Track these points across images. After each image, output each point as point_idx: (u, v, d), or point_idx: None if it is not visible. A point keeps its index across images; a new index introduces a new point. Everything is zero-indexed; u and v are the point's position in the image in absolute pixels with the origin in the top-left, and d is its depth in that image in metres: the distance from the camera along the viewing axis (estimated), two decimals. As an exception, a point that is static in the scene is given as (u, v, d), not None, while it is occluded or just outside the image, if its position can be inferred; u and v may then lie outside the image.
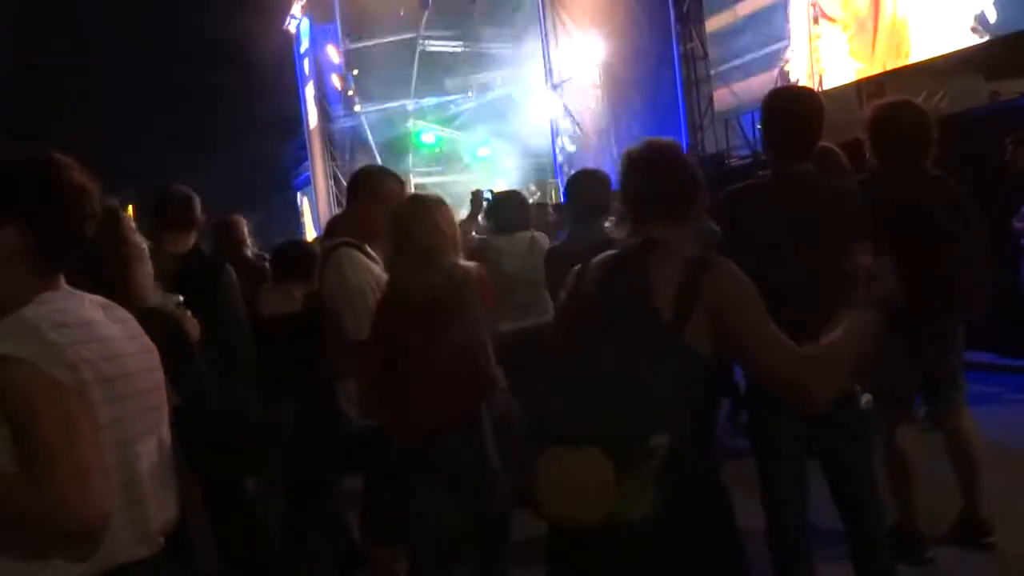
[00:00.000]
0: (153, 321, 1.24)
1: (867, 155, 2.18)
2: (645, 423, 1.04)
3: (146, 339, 1.12)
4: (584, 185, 2.80)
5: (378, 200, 2.21)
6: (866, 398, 1.69)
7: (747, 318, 1.14)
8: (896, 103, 2.17)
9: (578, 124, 12.16)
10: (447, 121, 18.44)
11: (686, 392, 1.11)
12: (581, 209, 2.78)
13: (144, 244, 1.68)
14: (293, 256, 2.83)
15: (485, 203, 4.11)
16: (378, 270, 2.18)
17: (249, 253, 3.42)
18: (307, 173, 21.05)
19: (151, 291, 1.65)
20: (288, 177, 23.80)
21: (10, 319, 0.96)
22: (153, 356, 1.12)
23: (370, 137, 17.21)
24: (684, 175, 1.34)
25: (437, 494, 1.94)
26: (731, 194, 1.91)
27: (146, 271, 1.65)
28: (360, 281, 2.12)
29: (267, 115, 20.11)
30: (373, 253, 2.26)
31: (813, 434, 1.77)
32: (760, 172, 1.97)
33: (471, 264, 2.04)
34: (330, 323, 2.18)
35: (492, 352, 2.02)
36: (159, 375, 1.11)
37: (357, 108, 16.83)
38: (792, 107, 1.86)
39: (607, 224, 2.87)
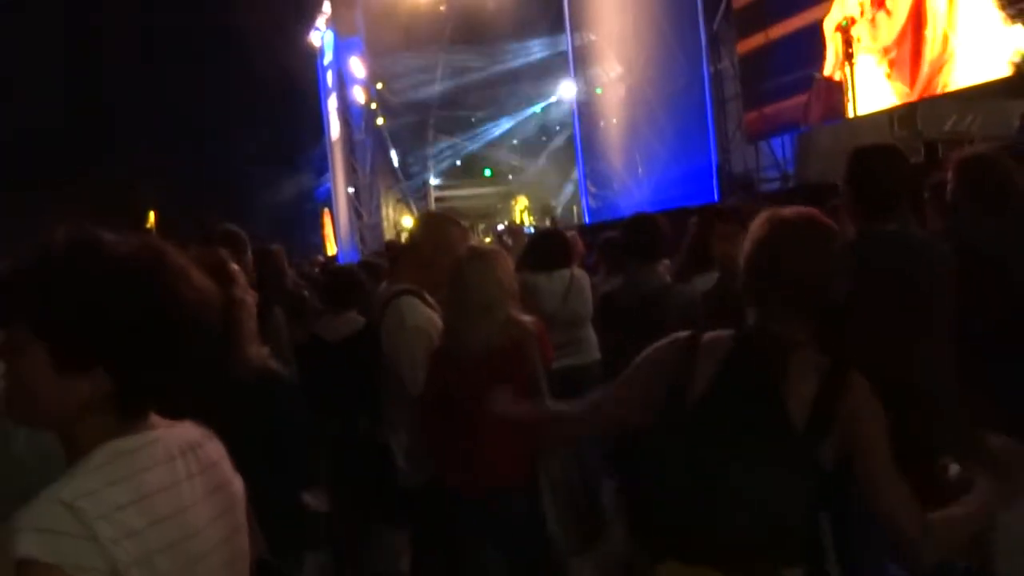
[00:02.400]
0: (264, 391, 1.18)
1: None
2: (775, 549, 1.02)
3: (231, 490, 0.92)
4: (644, 228, 2.76)
5: (440, 248, 2.20)
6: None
7: (878, 449, 1.10)
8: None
9: (602, 142, 12.18)
10: (470, 135, 18.97)
11: (814, 516, 1.07)
12: (639, 252, 2.72)
13: (250, 298, 1.54)
14: (347, 282, 2.86)
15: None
16: (438, 320, 2.17)
17: (289, 283, 3.41)
18: (328, 184, 21.32)
19: (256, 354, 1.49)
20: (310, 190, 24.11)
21: (52, 496, 0.76)
22: (233, 516, 0.92)
23: (392, 150, 17.47)
24: (839, 264, 1.18)
25: (491, 553, 1.91)
26: None
27: (253, 329, 1.51)
28: (421, 333, 2.11)
29: (291, 128, 20.49)
30: (433, 302, 2.25)
31: None
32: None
33: (528, 318, 2.02)
34: (387, 374, 2.17)
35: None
36: (236, 544, 0.91)
37: (380, 121, 17.05)
38: (879, 165, 1.78)
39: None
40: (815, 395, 1.11)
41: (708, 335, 1.23)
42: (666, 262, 2.88)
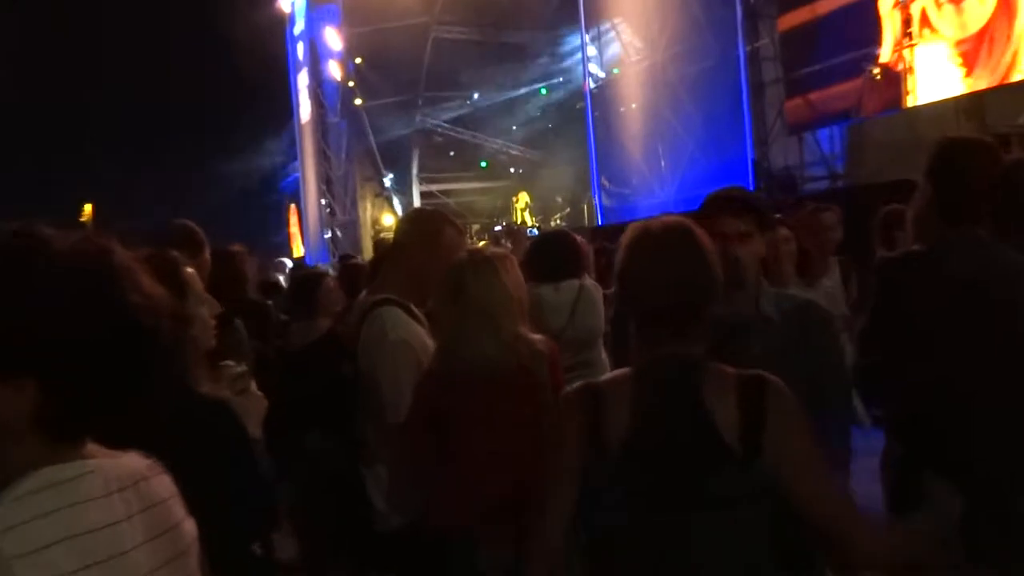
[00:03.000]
0: (212, 424, 1.19)
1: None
2: None
3: (180, 533, 0.90)
4: None
5: (432, 251, 2.22)
6: None
7: (814, 458, 1.20)
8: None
9: (619, 132, 12.26)
10: (462, 120, 18.97)
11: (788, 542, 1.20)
12: None
13: (206, 310, 1.53)
14: (314, 288, 2.95)
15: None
16: (428, 338, 2.18)
17: (252, 291, 3.43)
18: (295, 175, 21.38)
19: (209, 378, 1.50)
20: (274, 180, 24.17)
21: None
22: (183, 565, 0.89)
23: (371, 136, 17.60)
24: (713, 266, 1.33)
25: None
26: (886, 265, 1.80)
27: (206, 348, 1.50)
28: (406, 347, 2.12)
29: (252, 106, 20.46)
30: (421, 315, 2.27)
31: None
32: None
33: (539, 337, 2.03)
34: (366, 398, 2.18)
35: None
36: None
37: (358, 102, 17.14)
38: (970, 161, 1.74)
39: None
40: (739, 416, 1.22)
41: (605, 378, 1.38)
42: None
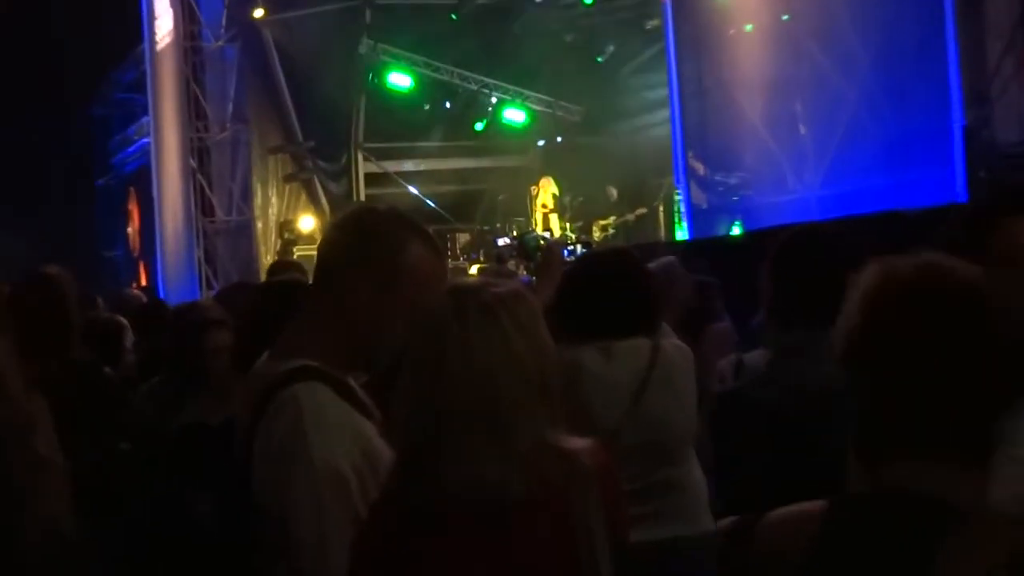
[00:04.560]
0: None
1: None
2: None
3: None
4: (816, 259, 2.87)
5: (385, 284, 2.30)
6: None
7: None
8: None
9: (724, 77, 12.50)
10: (441, 47, 18.99)
11: None
12: (799, 303, 2.84)
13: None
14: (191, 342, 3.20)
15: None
16: (377, 435, 2.23)
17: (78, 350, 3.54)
18: (143, 141, 21.62)
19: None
20: (102, 152, 24.33)
21: None
22: None
23: (281, 75, 17.86)
24: None
25: None
26: None
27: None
28: (337, 466, 2.16)
29: (59, 19, 20.45)
30: (366, 397, 2.32)
31: None
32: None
33: (579, 443, 2.07)
34: (268, 544, 2.21)
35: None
36: None
37: (259, 13, 17.47)
38: None
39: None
40: None
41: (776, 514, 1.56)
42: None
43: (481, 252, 18.30)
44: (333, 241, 2.46)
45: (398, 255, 2.33)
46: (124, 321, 5.66)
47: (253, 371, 2.47)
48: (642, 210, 16.28)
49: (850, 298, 1.72)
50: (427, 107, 19.30)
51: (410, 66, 18.84)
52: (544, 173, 18.38)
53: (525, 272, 15.62)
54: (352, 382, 2.35)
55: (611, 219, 16.51)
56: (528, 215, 18.19)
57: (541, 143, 19.95)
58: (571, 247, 14.18)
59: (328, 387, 2.26)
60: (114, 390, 3.46)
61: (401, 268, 2.31)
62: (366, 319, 2.31)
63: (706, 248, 9.69)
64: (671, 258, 5.24)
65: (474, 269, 16.84)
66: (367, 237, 2.39)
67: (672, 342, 3.63)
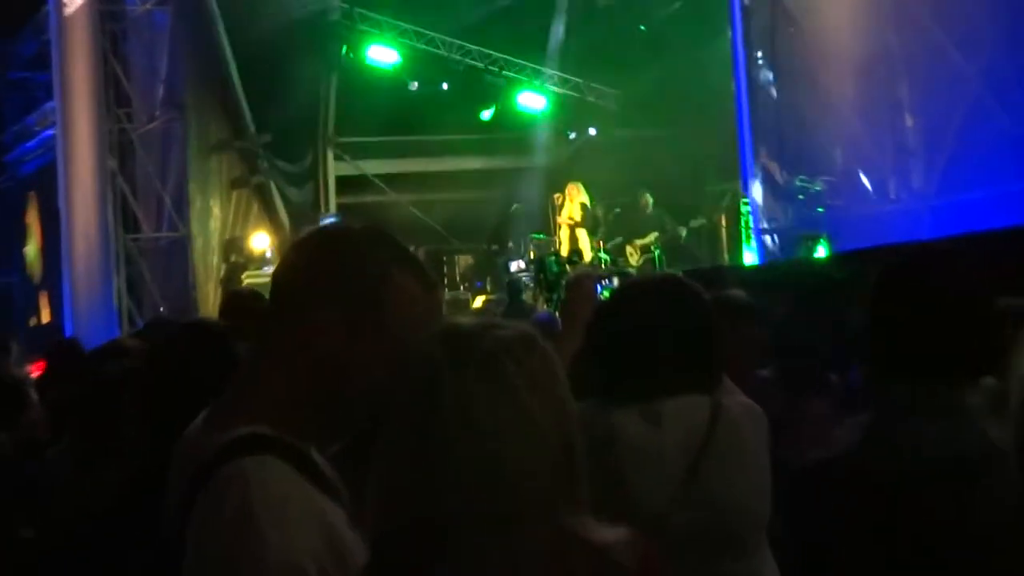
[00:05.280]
0: None
1: None
2: None
3: None
4: (929, 290, 2.90)
5: (363, 322, 2.32)
6: None
7: None
8: None
9: (803, 51, 12.45)
10: (429, 15, 18.95)
11: None
12: (915, 347, 2.86)
13: None
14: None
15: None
16: (347, 528, 2.24)
17: None
18: (47, 133, 21.69)
19: None
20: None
21: None
22: None
23: (228, 48, 17.88)
24: None
25: None
26: None
27: None
28: (297, 565, 2.14)
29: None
30: (330, 472, 2.34)
31: None
32: None
33: (617, 534, 2.09)
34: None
35: None
36: None
37: (198, -31, 17.49)
38: None
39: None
40: None
41: None
42: (990, 382, 3.00)
43: (488, 280, 18.32)
44: (293, 267, 2.46)
45: (377, 287, 2.34)
46: (24, 372, 5.65)
47: (185, 439, 2.47)
48: (698, 221, 16.27)
49: None
50: (418, 90, 19.27)
51: (396, 36, 18.93)
52: (571, 177, 18.31)
53: (545, 306, 15.61)
54: (316, 454, 2.35)
55: (651, 236, 16.56)
56: (550, 232, 18.17)
57: (571, 136, 19.97)
58: (606, 278, 14.26)
59: (285, 461, 2.26)
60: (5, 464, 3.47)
61: (381, 304, 2.33)
62: (335, 370, 2.32)
63: (783, 275, 9.70)
64: (738, 291, 5.23)
65: (479, 302, 16.85)
66: (337, 263, 2.40)
67: (738, 400, 3.61)
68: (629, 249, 16.79)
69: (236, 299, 7.14)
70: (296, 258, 2.49)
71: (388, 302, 2.34)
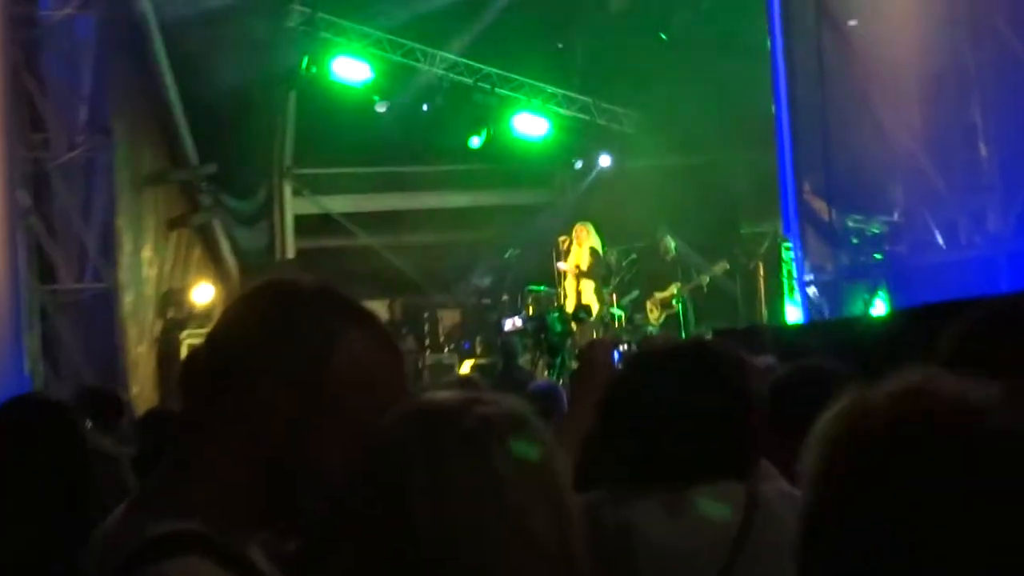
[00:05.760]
0: None
1: None
2: None
3: None
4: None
5: (316, 395, 2.32)
6: None
7: None
8: None
9: (856, 66, 12.51)
10: (407, 22, 19.10)
11: None
12: None
13: None
14: None
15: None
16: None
17: None
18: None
19: None
20: None
21: None
22: None
23: (166, 62, 17.94)
24: None
25: None
26: None
27: None
28: None
29: None
30: (275, 571, 2.35)
31: None
32: None
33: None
34: None
35: None
36: None
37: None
38: None
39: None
40: None
41: None
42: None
43: (478, 340, 18.34)
44: (232, 330, 2.48)
45: (331, 353, 2.34)
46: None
47: (104, 532, 2.47)
48: (722, 265, 16.32)
49: None
50: (392, 112, 19.35)
51: (367, 47, 19.03)
52: (579, 216, 18.29)
53: (547, 373, 15.58)
54: (256, 554, 2.35)
55: (672, 288, 16.65)
56: (552, 283, 18.18)
57: (578, 167, 20.07)
58: (625, 343, 14.18)
59: (216, 565, 2.25)
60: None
61: (335, 372, 2.34)
62: (282, 451, 2.31)
63: (833, 335, 9.69)
64: (774, 360, 5.22)
65: (466, 367, 16.78)
66: (283, 325, 2.40)
67: (779, 488, 3.59)
68: (649, 304, 16.83)
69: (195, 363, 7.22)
70: (235, 319, 2.50)
71: (343, 370, 2.35)
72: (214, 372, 2.43)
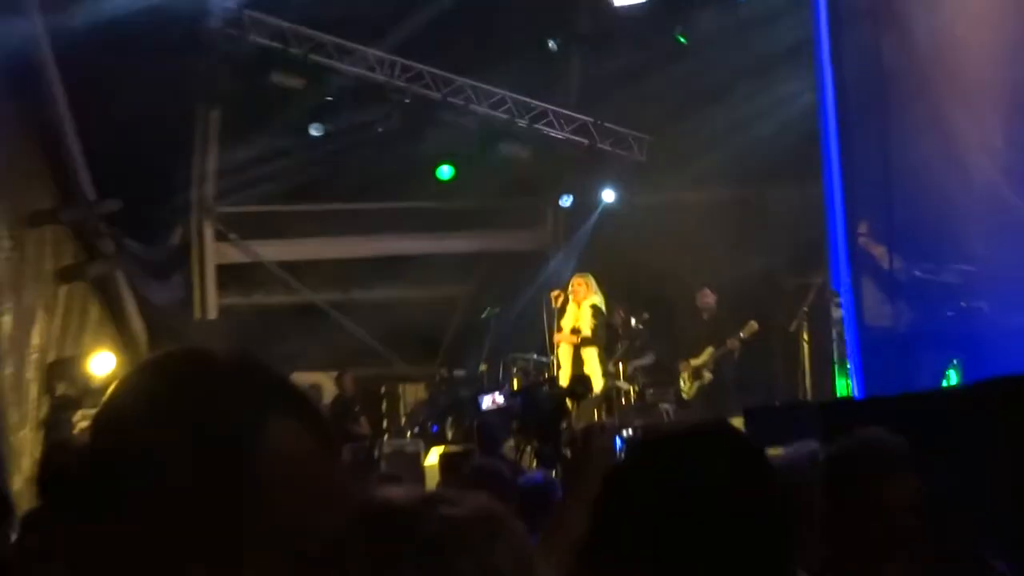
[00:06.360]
0: None
1: None
2: None
3: None
4: None
5: (223, 512, 2.29)
6: None
7: None
8: None
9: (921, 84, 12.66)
10: (360, 23, 19.18)
11: None
12: None
13: None
14: None
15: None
16: None
17: None
18: None
19: None
20: None
21: None
22: None
23: (56, 74, 17.77)
24: None
25: None
26: None
27: None
28: None
29: None
30: None
31: None
32: None
33: None
34: None
35: None
36: None
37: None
38: None
39: None
40: None
41: None
42: None
43: (449, 422, 18.37)
44: (122, 417, 2.45)
45: (250, 444, 2.35)
46: None
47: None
48: (751, 326, 16.42)
49: None
50: (339, 136, 19.38)
51: (307, 53, 19.08)
52: (576, 266, 18.49)
53: (535, 463, 15.58)
54: None
55: (707, 355, 16.84)
56: (543, 350, 18.24)
57: (565, 203, 20.13)
58: (631, 425, 14.20)
59: None
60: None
61: (255, 468, 2.36)
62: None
63: (894, 414, 9.74)
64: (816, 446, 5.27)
65: (433, 456, 16.77)
66: (190, 409, 2.41)
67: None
68: (684, 377, 17.02)
69: (58, 457, 7.16)
70: (125, 402, 2.48)
71: (265, 466, 2.39)
72: (96, 470, 2.45)
